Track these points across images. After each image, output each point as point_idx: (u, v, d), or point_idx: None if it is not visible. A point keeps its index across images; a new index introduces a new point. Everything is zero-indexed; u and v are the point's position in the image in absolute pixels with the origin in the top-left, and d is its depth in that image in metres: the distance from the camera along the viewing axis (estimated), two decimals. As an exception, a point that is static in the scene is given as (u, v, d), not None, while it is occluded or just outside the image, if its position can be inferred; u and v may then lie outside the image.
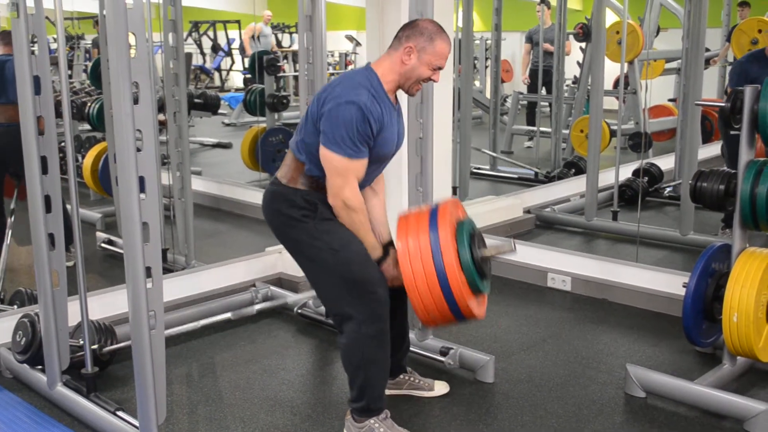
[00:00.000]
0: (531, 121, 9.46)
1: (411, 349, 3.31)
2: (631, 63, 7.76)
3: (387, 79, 2.75)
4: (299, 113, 3.94)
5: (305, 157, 2.76)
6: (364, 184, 2.85)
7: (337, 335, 2.86)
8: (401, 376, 3.22)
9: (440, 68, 2.76)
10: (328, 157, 2.65)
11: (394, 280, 2.88)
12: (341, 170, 2.66)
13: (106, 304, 3.80)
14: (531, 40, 9.45)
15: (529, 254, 4.83)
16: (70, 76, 9.72)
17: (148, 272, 2.46)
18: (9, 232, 4.62)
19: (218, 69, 14.93)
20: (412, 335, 3.28)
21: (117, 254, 5.12)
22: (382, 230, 2.95)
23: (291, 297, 4.19)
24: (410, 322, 3.17)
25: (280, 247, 3.26)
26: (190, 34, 13.78)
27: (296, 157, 2.79)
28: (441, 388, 3.27)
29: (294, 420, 3.08)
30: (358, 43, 13.95)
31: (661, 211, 6.45)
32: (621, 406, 3.18)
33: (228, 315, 3.92)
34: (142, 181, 2.38)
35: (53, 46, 7.59)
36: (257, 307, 4.11)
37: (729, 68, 8.74)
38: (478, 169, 7.77)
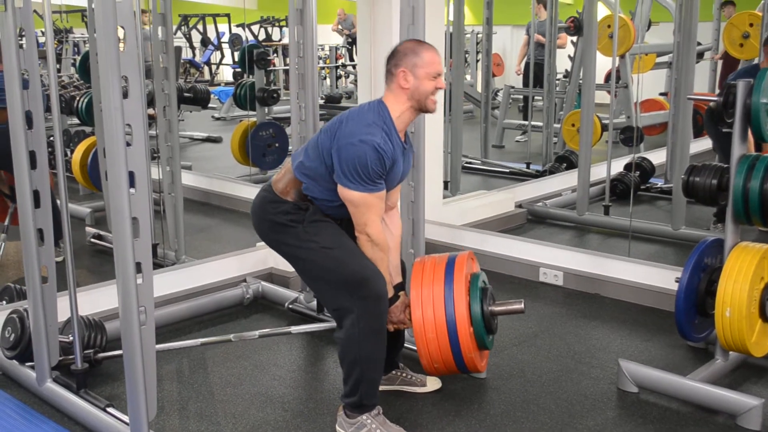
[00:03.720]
0: (525, 114, 9.45)
1: (404, 345, 3.30)
2: (622, 57, 7.75)
3: (397, 114, 2.76)
4: (289, 107, 3.92)
5: (304, 178, 2.79)
6: None
7: (335, 330, 2.86)
8: (393, 372, 3.21)
9: (439, 74, 2.76)
10: (347, 194, 2.69)
11: (399, 324, 2.96)
12: (361, 206, 2.70)
13: (96, 299, 3.78)
14: (529, 32, 9.44)
15: (520, 249, 4.82)
16: (59, 70, 9.67)
17: (138, 267, 2.44)
18: (2, 245, 4.60)
19: (208, 63, 14.87)
20: (405, 332, 3.27)
21: (107, 249, 5.09)
22: (393, 273, 2.96)
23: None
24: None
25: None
26: (179, 28, 13.71)
27: (295, 175, 2.81)
28: (433, 383, 3.25)
29: (285, 416, 3.07)
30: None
31: (653, 206, 6.46)
32: (613, 402, 3.17)
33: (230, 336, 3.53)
34: (131, 175, 2.36)
35: (41, 39, 7.54)
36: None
37: (720, 64, 8.79)
38: (470, 163, 7.76)
